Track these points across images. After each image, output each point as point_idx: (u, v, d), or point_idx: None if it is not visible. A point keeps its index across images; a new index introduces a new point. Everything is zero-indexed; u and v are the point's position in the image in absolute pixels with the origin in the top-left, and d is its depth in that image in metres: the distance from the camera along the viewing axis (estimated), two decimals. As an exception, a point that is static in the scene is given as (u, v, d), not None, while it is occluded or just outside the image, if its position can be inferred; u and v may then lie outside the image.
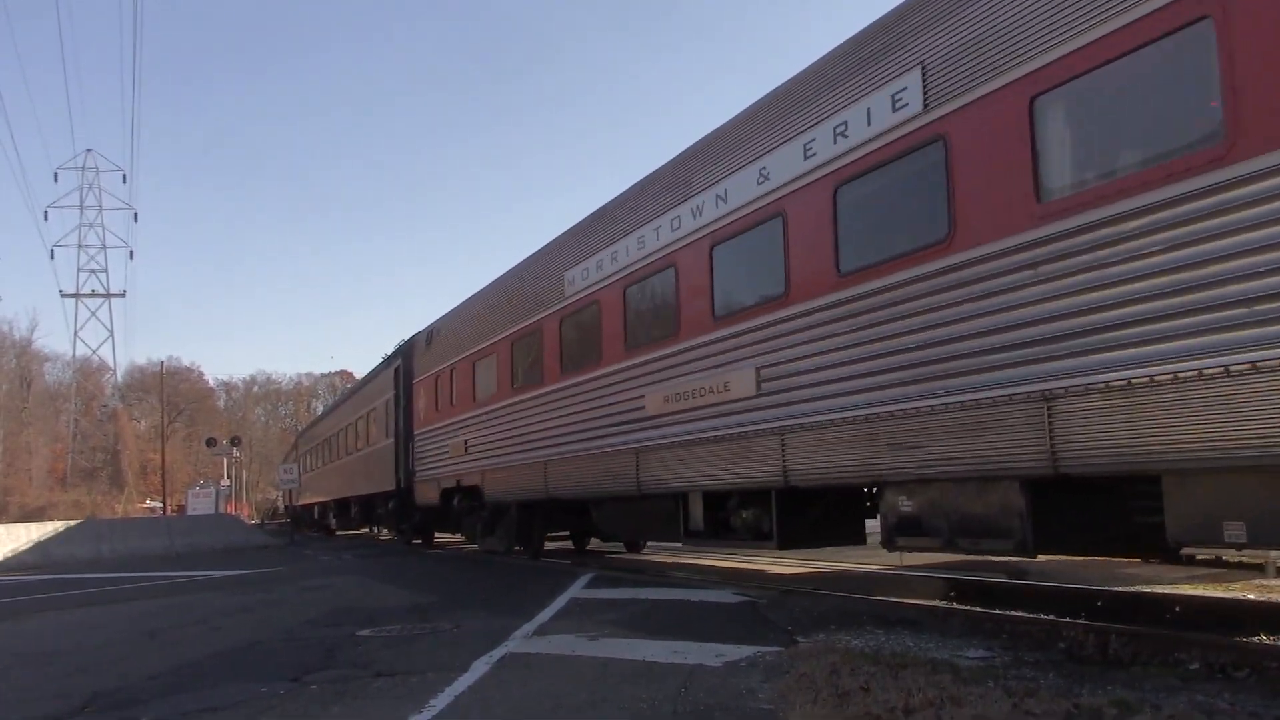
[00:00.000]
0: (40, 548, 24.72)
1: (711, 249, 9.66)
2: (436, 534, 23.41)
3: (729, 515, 9.73)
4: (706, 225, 9.74)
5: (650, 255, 10.82)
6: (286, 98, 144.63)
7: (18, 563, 23.47)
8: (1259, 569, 9.66)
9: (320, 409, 68.71)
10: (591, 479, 12.09)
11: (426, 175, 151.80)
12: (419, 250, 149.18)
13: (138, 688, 6.33)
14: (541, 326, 13.64)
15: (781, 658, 5.97)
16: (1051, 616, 7.25)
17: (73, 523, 28.20)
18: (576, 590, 10.54)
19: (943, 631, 6.77)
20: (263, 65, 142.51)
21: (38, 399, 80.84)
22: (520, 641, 7.17)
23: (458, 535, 21.56)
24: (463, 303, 18.47)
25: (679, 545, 13.19)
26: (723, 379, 9.33)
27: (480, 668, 6.19)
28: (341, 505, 31.83)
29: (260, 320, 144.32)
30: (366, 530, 35.58)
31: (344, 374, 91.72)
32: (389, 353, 25.80)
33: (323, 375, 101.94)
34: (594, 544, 18.36)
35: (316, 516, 38.54)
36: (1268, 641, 6.02)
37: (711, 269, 9.64)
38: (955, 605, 8.32)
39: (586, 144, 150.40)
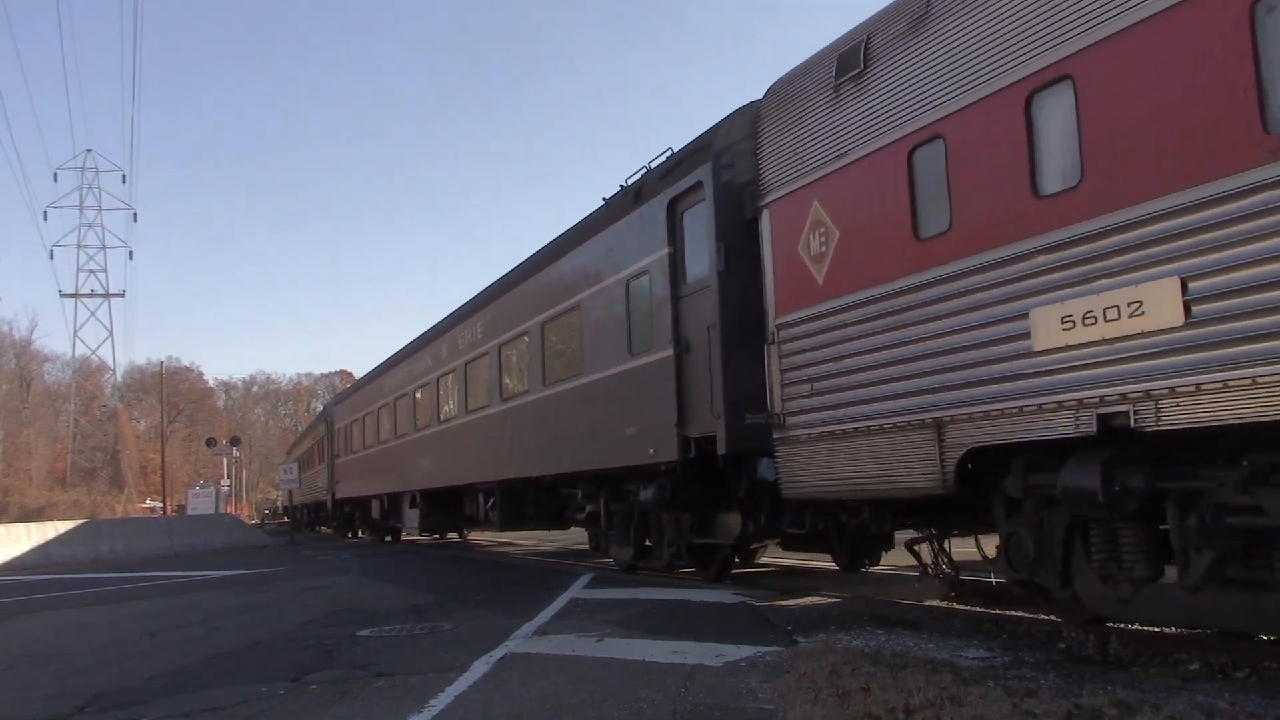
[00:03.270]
0: (41, 548, 24.70)
1: None
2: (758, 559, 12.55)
3: None
4: None
5: None
6: (286, 97, 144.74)
7: (19, 563, 23.47)
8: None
9: (320, 409, 68.05)
10: None
11: (427, 175, 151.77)
12: (419, 250, 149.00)
13: (138, 688, 6.33)
14: None
15: (781, 658, 5.98)
16: (1052, 616, 7.25)
17: (74, 523, 28.20)
18: (576, 590, 10.54)
19: (943, 631, 6.77)
20: (263, 65, 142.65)
21: (37, 399, 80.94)
22: (520, 641, 7.17)
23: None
24: None
25: None
26: None
27: (480, 668, 6.19)
28: (442, 498, 19.93)
29: (260, 320, 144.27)
30: (455, 536, 25.69)
31: (344, 374, 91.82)
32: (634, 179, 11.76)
33: (322, 375, 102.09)
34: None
35: (377, 515, 26.03)
36: (1268, 641, 6.02)
37: None
38: (955, 605, 8.31)
39: (589, 146, 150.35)
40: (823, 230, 8.05)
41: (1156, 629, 6.42)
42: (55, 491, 68.38)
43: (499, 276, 16.76)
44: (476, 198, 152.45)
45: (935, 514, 7.99)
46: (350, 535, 32.41)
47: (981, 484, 6.72)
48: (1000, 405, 6.35)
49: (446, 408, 18.85)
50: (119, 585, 15.57)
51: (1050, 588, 6.63)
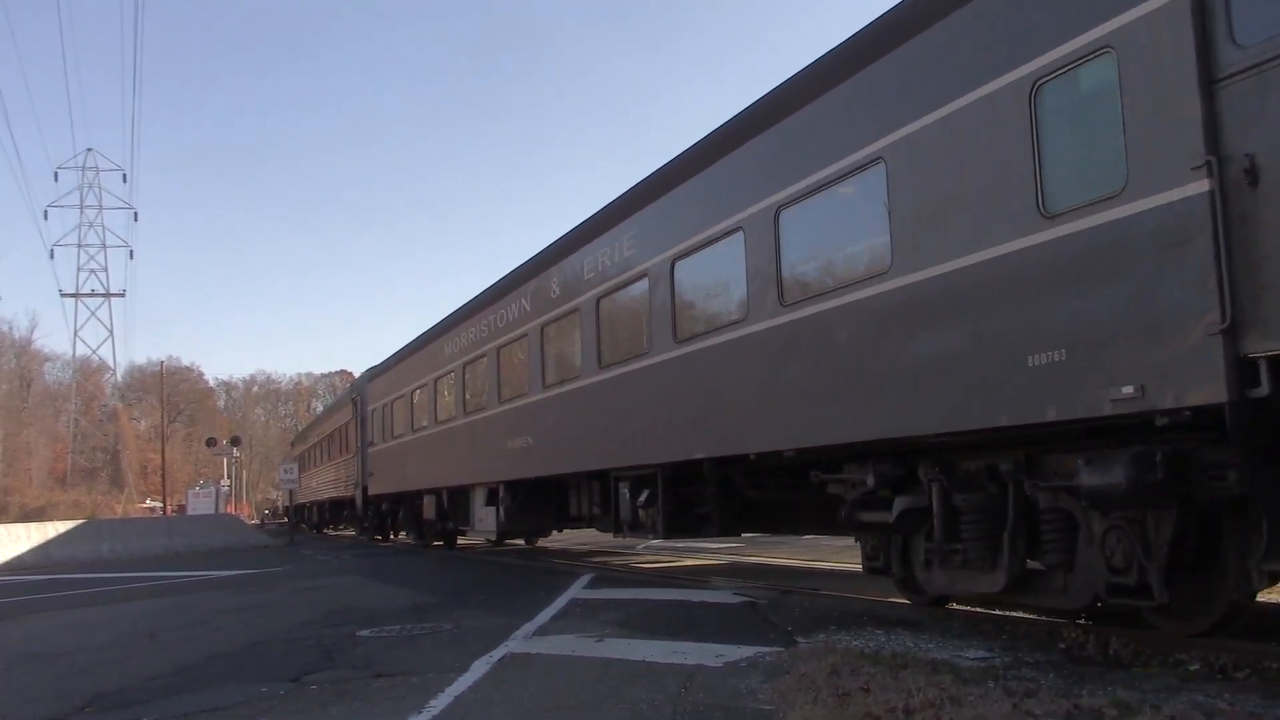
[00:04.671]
0: (41, 548, 24.72)
1: None
2: None
3: None
4: None
5: None
6: (287, 98, 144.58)
7: (19, 563, 23.48)
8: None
9: (320, 409, 67.91)
10: None
11: (427, 176, 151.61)
12: (419, 250, 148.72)
13: (138, 688, 6.33)
14: None
15: (781, 658, 5.98)
16: (1051, 617, 7.25)
17: (74, 523, 28.23)
18: (576, 590, 10.54)
19: (943, 632, 6.77)
20: (263, 66, 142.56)
21: (37, 399, 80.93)
22: (520, 642, 7.17)
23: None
24: None
25: None
26: None
27: (480, 668, 6.19)
28: (536, 493, 15.03)
29: (260, 320, 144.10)
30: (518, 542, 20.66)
31: (344, 374, 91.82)
32: None
33: (322, 375, 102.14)
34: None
35: (432, 514, 20.38)
36: (1268, 641, 6.02)
37: None
38: (955, 605, 8.31)
39: (589, 141, 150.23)
40: None
41: (1156, 628, 6.41)
42: (55, 491, 68.39)
43: (667, 161, 11.01)
44: (476, 196, 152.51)
45: None
46: (383, 539, 27.07)
47: None
48: None
49: (557, 367, 13.41)
50: (119, 585, 15.57)
51: None
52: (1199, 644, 5.80)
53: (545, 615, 8.52)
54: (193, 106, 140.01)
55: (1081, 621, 6.87)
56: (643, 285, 10.97)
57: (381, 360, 25.42)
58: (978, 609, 7.89)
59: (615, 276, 11.64)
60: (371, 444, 24.81)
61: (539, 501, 15.12)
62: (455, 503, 18.78)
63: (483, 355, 16.35)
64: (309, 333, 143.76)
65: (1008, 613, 7.52)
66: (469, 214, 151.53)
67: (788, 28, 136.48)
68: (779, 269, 8.59)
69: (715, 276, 9.86)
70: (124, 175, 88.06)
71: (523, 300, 14.63)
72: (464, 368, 17.36)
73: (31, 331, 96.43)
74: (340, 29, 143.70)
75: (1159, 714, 4.26)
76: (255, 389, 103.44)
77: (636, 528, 11.27)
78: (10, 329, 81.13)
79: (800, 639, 6.63)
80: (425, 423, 19.95)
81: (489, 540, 19.83)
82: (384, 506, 25.34)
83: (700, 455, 9.76)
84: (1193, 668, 5.37)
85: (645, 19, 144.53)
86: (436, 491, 19.75)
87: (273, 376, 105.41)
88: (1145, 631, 6.32)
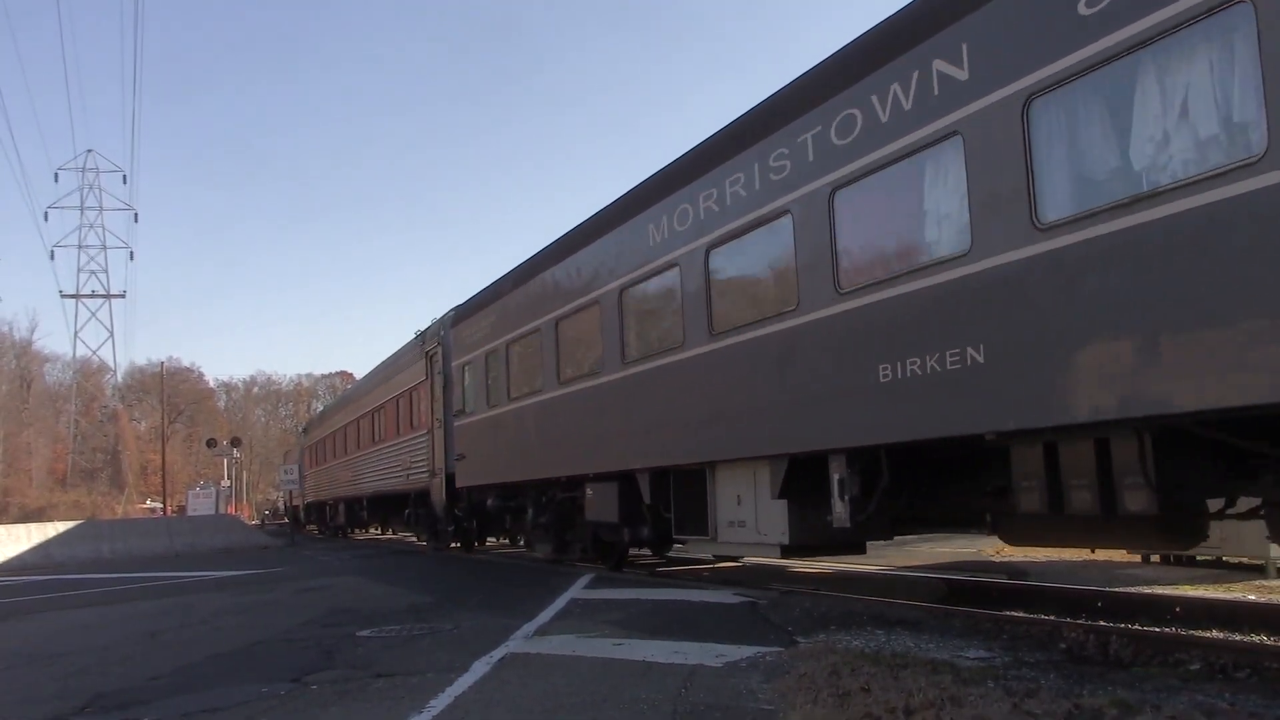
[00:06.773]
0: (41, 548, 24.73)
1: None
2: None
3: None
4: None
5: None
6: (287, 99, 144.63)
7: (19, 563, 23.49)
8: (1259, 569, 9.66)
9: (320, 409, 67.54)
10: None
11: (427, 176, 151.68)
12: (419, 251, 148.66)
13: (139, 688, 6.33)
14: None
15: (782, 658, 5.98)
16: (1051, 617, 7.25)
17: (73, 523, 28.22)
18: (577, 590, 10.53)
19: (943, 632, 6.76)
20: (263, 66, 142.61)
21: (38, 399, 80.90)
22: (520, 642, 7.17)
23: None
24: None
25: None
26: None
27: (480, 668, 6.19)
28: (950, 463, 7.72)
29: (260, 321, 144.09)
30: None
31: (344, 374, 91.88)
32: None
33: (323, 375, 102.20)
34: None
35: (610, 514, 11.94)
36: (1268, 641, 6.02)
37: None
38: (955, 606, 8.31)
39: (587, 146, 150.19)
40: None
41: (1158, 628, 6.42)
42: (55, 492, 68.40)
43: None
44: (476, 193, 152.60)
45: None
46: (466, 548, 20.02)
47: None
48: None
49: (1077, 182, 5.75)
50: (119, 586, 15.57)
51: None
52: (1199, 644, 5.81)
53: (545, 615, 8.52)
54: (193, 108, 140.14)
55: (1082, 621, 6.88)
56: None
57: (476, 293, 17.43)
58: (977, 609, 7.89)
59: None
60: (461, 414, 17.37)
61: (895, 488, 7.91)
62: (666, 495, 10.98)
63: (772, 216, 8.52)
64: (309, 334, 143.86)
65: (1007, 612, 7.52)
66: (470, 208, 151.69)
67: (783, 14, 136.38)
68: None
69: None
70: (124, 176, 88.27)
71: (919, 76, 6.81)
72: (706, 255, 9.55)
73: (32, 332, 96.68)
74: (341, 31, 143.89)
75: (1159, 714, 4.26)
76: (255, 390, 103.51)
77: None
78: (10, 330, 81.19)
79: (800, 639, 6.62)
80: (587, 369, 12.31)
81: (739, 558, 12.46)
82: (490, 502, 16.59)
83: None
84: (1193, 667, 5.37)
85: (654, 24, 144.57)
86: (619, 477, 11.81)
87: (273, 378, 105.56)
88: (1146, 631, 6.33)
